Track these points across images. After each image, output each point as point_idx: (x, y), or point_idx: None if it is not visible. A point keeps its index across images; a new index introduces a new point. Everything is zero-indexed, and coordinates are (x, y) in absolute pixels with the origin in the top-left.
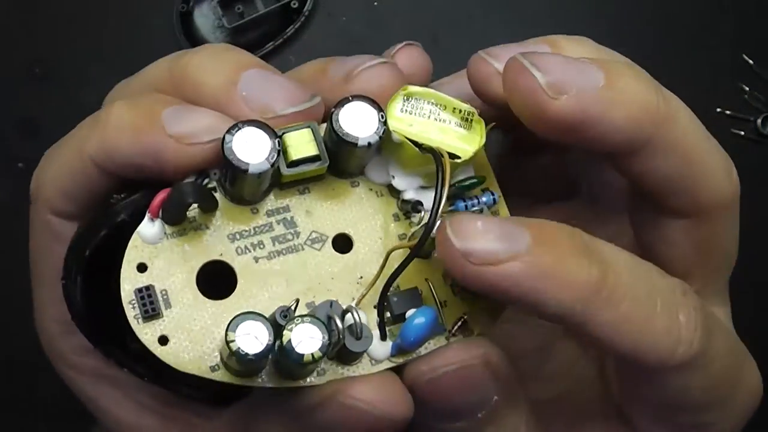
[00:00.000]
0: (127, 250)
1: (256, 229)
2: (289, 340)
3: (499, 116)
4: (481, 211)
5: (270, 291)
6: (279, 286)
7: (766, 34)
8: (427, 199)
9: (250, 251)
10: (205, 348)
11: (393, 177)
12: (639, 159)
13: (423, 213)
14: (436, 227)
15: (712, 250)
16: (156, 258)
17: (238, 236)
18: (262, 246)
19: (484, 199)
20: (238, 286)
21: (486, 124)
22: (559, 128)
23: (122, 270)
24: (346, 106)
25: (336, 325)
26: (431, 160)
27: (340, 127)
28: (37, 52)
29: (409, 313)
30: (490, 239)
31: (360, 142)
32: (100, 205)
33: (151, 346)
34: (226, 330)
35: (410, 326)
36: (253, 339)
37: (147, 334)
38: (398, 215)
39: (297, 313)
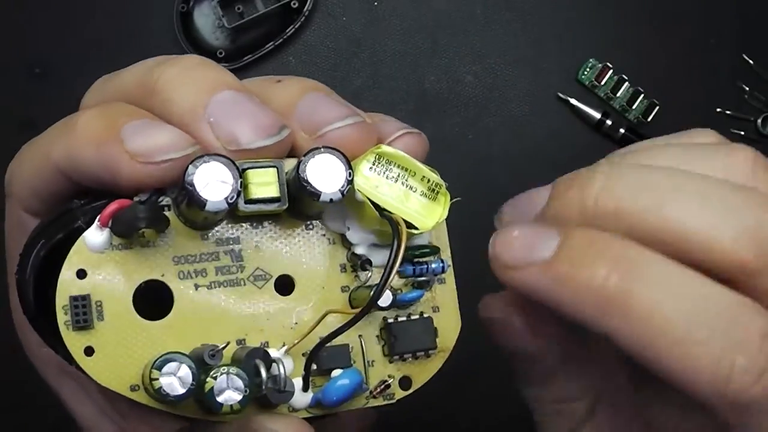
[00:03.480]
0: (69, 254)
1: (203, 256)
2: (212, 389)
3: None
4: (428, 280)
5: (204, 322)
6: (214, 318)
7: (766, 34)
8: (377, 257)
9: (192, 277)
10: (129, 366)
11: (348, 228)
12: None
13: (370, 272)
14: (381, 298)
15: None
16: (97, 267)
17: (183, 260)
18: (204, 274)
19: (434, 266)
20: (173, 310)
21: (451, 198)
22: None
23: (61, 273)
24: (316, 156)
25: (261, 375)
26: (388, 224)
27: (306, 177)
28: (37, 52)
29: (335, 372)
30: (518, 246)
31: (323, 197)
32: (60, 206)
33: (76, 355)
34: (152, 366)
35: (333, 387)
36: (176, 380)
37: (74, 342)
38: (345, 266)
39: (225, 353)
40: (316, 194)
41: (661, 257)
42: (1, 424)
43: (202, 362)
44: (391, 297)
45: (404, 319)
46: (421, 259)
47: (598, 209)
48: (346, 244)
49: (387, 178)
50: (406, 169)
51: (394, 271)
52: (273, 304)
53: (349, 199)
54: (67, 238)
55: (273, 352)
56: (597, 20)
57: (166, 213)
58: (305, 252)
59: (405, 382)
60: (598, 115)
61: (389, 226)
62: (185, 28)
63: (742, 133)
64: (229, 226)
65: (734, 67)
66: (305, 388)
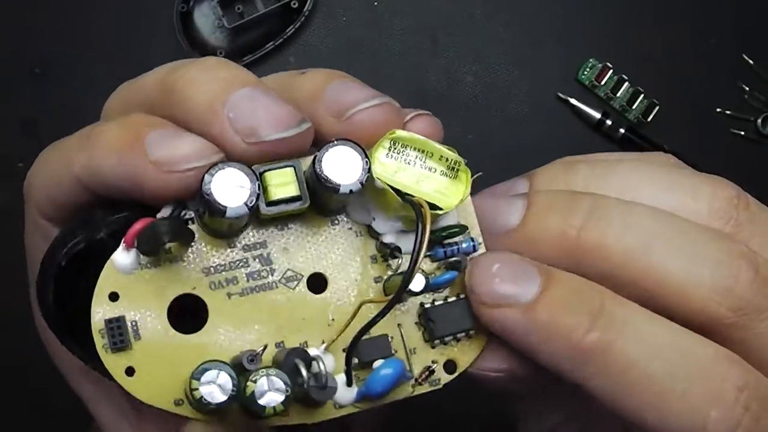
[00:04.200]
0: (100, 278)
1: (232, 264)
2: (253, 392)
3: None
4: (459, 260)
5: (240, 329)
6: (250, 324)
7: (766, 34)
8: (406, 244)
9: (223, 287)
10: (171, 381)
11: (374, 219)
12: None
13: (401, 259)
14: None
15: None
16: (128, 288)
17: (212, 270)
18: (235, 282)
19: (464, 245)
20: (208, 321)
21: (472, 174)
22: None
23: (94, 297)
24: (330, 150)
25: (302, 374)
26: (412, 209)
27: (322, 171)
28: (37, 52)
29: (377, 363)
30: (497, 282)
31: (342, 189)
32: (83, 214)
33: (118, 378)
34: (191, 377)
35: (377, 377)
36: (216, 388)
37: (115, 364)
38: (376, 257)
39: (265, 356)
40: (335, 188)
41: (641, 310)
42: (1, 424)
43: (242, 368)
44: (423, 281)
45: (441, 302)
46: (450, 240)
47: (579, 242)
48: (374, 234)
49: (405, 162)
50: (423, 151)
51: (422, 254)
52: (308, 304)
53: (370, 189)
54: (87, 248)
55: (313, 350)
56: (597, 20)
57: (191, 226)
58: (334, 248)
59: (450, 366)
60: (598, 115)
61: (413, 211)
62: (185, 28)
63: (743, 133)
64: (255, 231)
65: (734, 67)
66: (349, 383)
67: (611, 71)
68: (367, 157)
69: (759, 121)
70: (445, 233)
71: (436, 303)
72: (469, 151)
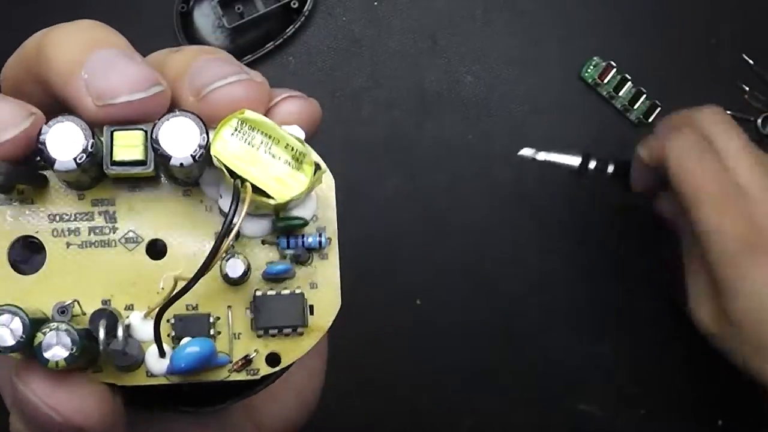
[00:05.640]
0: None
1: (77, 215)
2: (40, 343)
3: None
4: (299, 253)
5: (72, 280)
6: (82, 277)
7: (766, 34)
8: (252, 227)
9: (65, 236)
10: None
11: (221, 196)
12: None
13: (232, 243)
14: (215, 261)
15: None
16: None
17: (58, 218)
18: (78, 233)
19: (309, 240)
20: (44, 267)
21: (318, 170)
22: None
23: None
24: (171, 119)
25: (99, 336)
26: (263, 207)
27: (157, 139)
28: None
29: (185, 340)
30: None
31: (172, 161)
32: None
33: None
34: None
35: (181, 353)
36: (7, 332)
37: None
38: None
39: (86, 311)
40: (167, 157)
41: None
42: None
43: (50, 320)
44: (242, 268)
45: (273, 293)
46: (296, 232)
47: None
48: (222, 214)
49: (249, 144)
50: (270, 137)
51: (226, 242)
52: (142, 268)
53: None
54: None
55: (134, 315)
56: (597, 20)
57: (45, 172)
58: (180, 218)
59: (272, 359)
60: (576, 163)
61: (261, 196)
62: (185, 28)
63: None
64: (106, 187)
65: (734, 67)
66: (161, 354)
67: (614, 70)
68: (206, 133)
69: (759, 121)
70: (284, 223)
71: (268, 293)
72: (470, 151)
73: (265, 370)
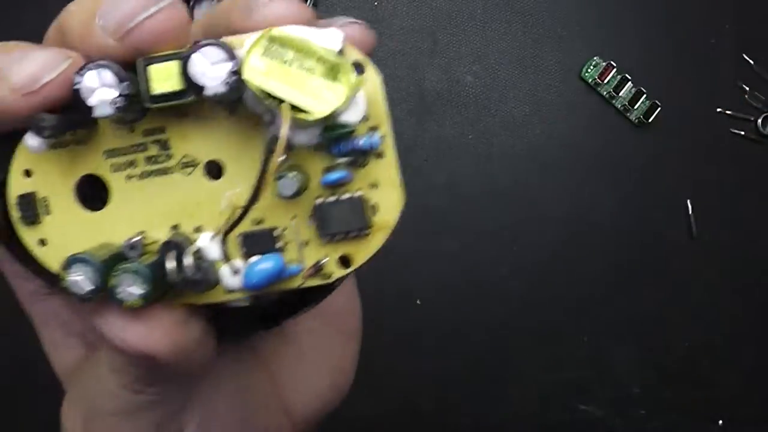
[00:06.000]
0: (14, 158)
1: (132, 147)
2: (113, 286)
3: None
4: (354, 157)
5: (138, 211)
6: (147, 207)
7: (766, 34)
8: (302, 136)
9: (123, 169)
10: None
11: (263, 115)
12: None
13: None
14: (269, 172)
15: None
16: (40, 166)
17: (113, 154)
18: (135, 165)
19: (360, 142)
20: (110, 202)
21: (360, 72)
22: None
23: (10, 175)
24: (198, 51)
25: (166, 268)
26: (306, 123)
27: (188, 71)
28: None
29: (253, 258)
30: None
31: (206, 91)
32: None
33: (33, 249)
34: (61, 267)
35: (253, 270)
36: (83, 279)
37: (29, 236)
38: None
39: (153, 240)
40: (201, 88)
41: None
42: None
43: (123, 258)
44: (295, 186)
45: (333, 199)
46: (346, 138)
47: None
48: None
49: (282, 62)
50: (302, 51)
51: (272, 163)
52: (203, 190)
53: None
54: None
55: (204, 236)
56: (597, 20)
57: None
58: (233, 136)
59: (344, 261)
60: None
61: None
62: None
63: (743, 133)
64: (155, 116)
65: (734, 67)
66: (234, 272)
67: (614, 70)
68: (234, 59)
69: (759, 121)
70: (331, 133)
71: (328, 200)
72: (469, 151)
73: (338, 272)
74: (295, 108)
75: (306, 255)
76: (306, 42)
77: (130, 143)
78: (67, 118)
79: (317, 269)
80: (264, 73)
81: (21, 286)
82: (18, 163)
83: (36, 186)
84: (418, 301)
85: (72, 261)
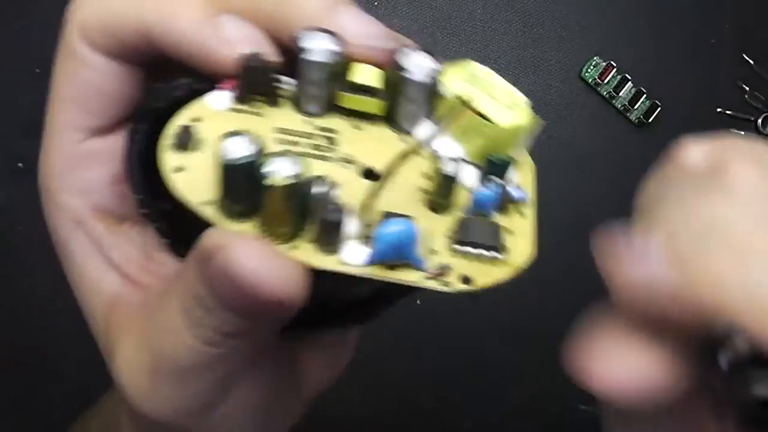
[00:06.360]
0: (193, 104)
1: (301, 133)
2: (261, 164)
3: None
4: (499, 198)
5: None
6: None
7: (766, 34)
8: (466, 176)
9: (285, 145)
10: (207, 192)
11: (436, 133)
12: None
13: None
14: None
15: None
16: (211, 118)
17: (283, 131)
18: (296, 145)
19: (511, 189)
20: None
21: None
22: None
23: (182, 112)
24: (414, 51)
25: (320, 189)
26: (475, 134)
27: (401, 66)
28: (37, 52)
29: (386, 224)
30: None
31: (411, 76)
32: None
33: (167, 171)
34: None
35: (383, 232)
36: (242, 147)
37: (169, 159)
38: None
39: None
40: (407, 72)
41: None
42: (1, 423)
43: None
44: (474, 173)
45: (476, 217)
46: (499, 172)
47: None
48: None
49: (473, 80)
50: (488, 79)
51: (437, 134)
52: (356, 184)
53: (440, 103)
54: (187, 97)
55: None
56: (597, 20)
57: (286, 86)
58: (398, 159)
59: (465, 279)
60: None
61: (478, 138)
62: None
63: (742, 133)
64: (333, 118)
65: (734, 67)
66: (364, 241)
67: (615, 70)
68: (439, 64)
69: (759, 121)
70: (493, 160)
71: (473, 216)
72: None
73: (457, 285)
74: (477, 114)
75: (431, 260)
76: (499, 79)
77: (302, 129)
78: (273, 70)
79: (442, 270)
80: (461, 80)
81: (67, 209)
82: (191, 111)
83: (199, 128)
84: (418, 301)
85: (236, 132)
